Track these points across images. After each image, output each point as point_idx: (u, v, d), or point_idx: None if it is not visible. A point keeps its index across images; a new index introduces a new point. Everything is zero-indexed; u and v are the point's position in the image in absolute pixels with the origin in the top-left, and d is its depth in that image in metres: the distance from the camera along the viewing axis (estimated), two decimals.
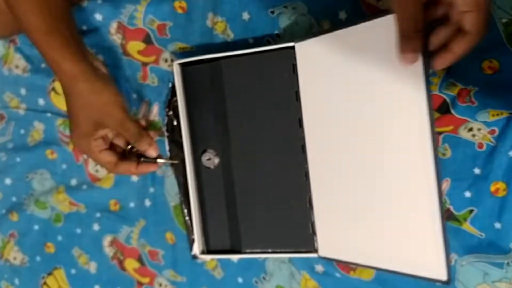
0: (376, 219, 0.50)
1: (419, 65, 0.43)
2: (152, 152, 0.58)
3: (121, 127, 0.56)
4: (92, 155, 0.57)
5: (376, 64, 0.48)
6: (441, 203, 0.45)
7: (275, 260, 0.60)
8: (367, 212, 0.50)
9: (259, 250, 0.58)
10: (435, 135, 0.45)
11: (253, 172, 0.57)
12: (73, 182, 0.70)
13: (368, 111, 0.49)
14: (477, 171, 0.51)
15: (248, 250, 0.58)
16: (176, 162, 0.61)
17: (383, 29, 0.46)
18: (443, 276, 0.45)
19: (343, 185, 0.52)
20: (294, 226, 0.56)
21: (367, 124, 0.49)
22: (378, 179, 0.49)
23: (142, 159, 0.59)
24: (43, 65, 0.70)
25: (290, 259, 0.60)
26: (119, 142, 0.59)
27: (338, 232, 0.53)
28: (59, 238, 0.72)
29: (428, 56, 0.44)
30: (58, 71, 0.55)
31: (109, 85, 0.56)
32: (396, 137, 0.47)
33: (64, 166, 0.71)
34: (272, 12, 0.57)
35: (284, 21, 0.57)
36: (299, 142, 0.54)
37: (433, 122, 0.45)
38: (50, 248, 0.73)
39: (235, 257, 0.62)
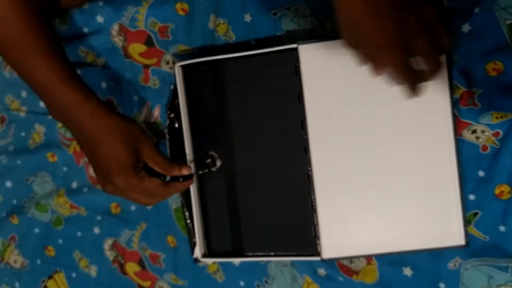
0: (390, 208, 0.52)
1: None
2: (185, 172, 0.56)
3: (157, 152, 0.54)
4: (142, 185, 0.53)
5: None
6: (460, 176, 0.50)
7: (277, 263, 0.60)
8: (378, 205, 0.52)
9: (261, 254, 0.57)
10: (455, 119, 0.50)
11: (255, 174, 0.57)
12: (74, 185, 0.70)
13: (380, 111, 0.52)
14: (481, 173, 0.51)
15: (250, 253, 0.57)
16: (214, 169, 0.58)
17: None
18: (462, 241, 0.50)
19: (350, 184, 0.53)
20: (296, 229, 0.55)
21: (379, 123, 0.52)
22: (392, 170, 0.52)
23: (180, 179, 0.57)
24: None
25: (292, 263, 0.59)
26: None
27: (346, 230, 0.53)
28: (60, 241, 0.72)
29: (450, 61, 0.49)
30: (85, 112, 0.51)
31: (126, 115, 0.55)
32: (414, 131, 0.51)
33: (64, 169, 0.70)
34: (275, 14, 0.57)
35: (286, 23, 0.57)
36: (301, 144, 0.54)
37: (453, 108, 0.50)
38: (51, 252, 0.72)
39: (236, 261, 0.61)
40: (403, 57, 0.39)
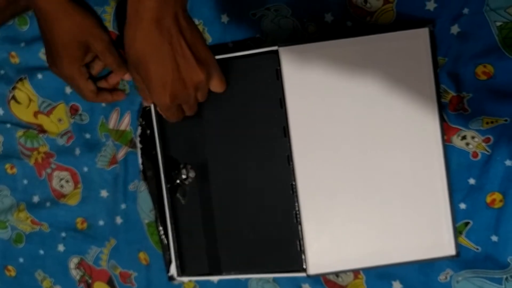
0: (378, 219, 0.50)
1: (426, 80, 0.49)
2: (128, 77, 0.58)
3: (108, 50, 0.55)
4: (77, 82, 0.56)
5: (372, 76, 0.49)
6: (449, 185, 0.49)
7: (259, 280, 0.57)
8: (366, 216, 0.50)
9: (241, 271, 0.54)
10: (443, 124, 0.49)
11: (234, 186, 0.53)
12: (35, 199, 0.65)
13: (366, 118, 0.50)
14: (472, 181, 0.49)
15: (230, 271, 0.54)
16: (190, 180, 0.55)
17: (379, 44, 0.49)
18: (452, 251, 0.49)
19: (335, 194, 0.50)
20: (279, 244, 0.52)
21: (365, 130, 0.50)
22: (379, 180, 0.50)
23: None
24: (2, 72, 0.65)
25: (275, 279, 0.56)
26: (94, 70, 0.58)
27: (332, 243, 0.51)
28: (21, 260, 0.67)
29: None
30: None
31: (89, 9, 0.55)
32: (401, 139, 0.50)
33: (25, 182, 0.66)
34: (254, 14, 0.54)
35: (266, 24, 0.54)
36: (284, 152, 0.51)
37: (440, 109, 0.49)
38: (11, 272, 0.68)
39: (215, 278, 0.58)
40: (169, 103, 0.47)
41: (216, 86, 0.50)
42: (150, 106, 0.55)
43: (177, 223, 0.55)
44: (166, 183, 0.55)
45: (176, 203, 0.55)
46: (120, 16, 0.58)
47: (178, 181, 0.55)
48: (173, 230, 0.55)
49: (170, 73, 0.44)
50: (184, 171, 0.54)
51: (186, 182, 0.55)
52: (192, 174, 0.54)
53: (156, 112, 0.55)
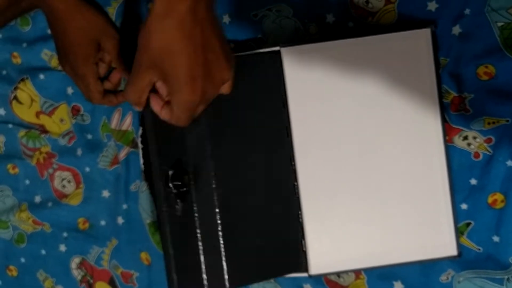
0: (380, 219, 0.50)
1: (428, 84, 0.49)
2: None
3: (118, 48, 0.55)
4: (88, 80, 0.56)
5: (374, 76, 0.49)
6: (451, 185, 0.49)
7: None
8: (368, 216, 0.50)
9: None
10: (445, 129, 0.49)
11: (235, 188, 0.53)
12: (37, 199, 0.65)
13: (368, 118, 0.50)
14: (473, 181, 0.49)
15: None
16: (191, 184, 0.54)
17: (380, 44, 0.49)
18: (454, 252, 0.49)
19: (337, 195, 0.51)
20: (281, 244, 0.52)
21: (367, 131, 0.50)
22: (381, 180, 0.50)
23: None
24: (4, 72, 0.65)
25: (276, 279, 0.56)
26: (102, 70, 0.58)
27: (334, 243, 0.51)
28: (22, 260, 0.67)
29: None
30: None
31: (99, 8, 0.56)
32: (403, 139, 0.50)
33: (27, 182, 0.66)
34: (255, 15, 0.54)
35: (268, 25, 0.54)
36: (286, 152, 0.51)
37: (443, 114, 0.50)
38: (13, 272, 0.68)
39: None
40: (198, 100, 0.42)
41: (227, 87, 0.45)
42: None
43: (176, 228, 0.55)
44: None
45: (173, 209, 0.55)
46: (124, 17, 0.59)
47: (180, 182, 0.55)
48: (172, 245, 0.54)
49: (201, 67, 0.40)
50: (184, 174, 0.54)
51: (190, 182, 0.55)
52: (193, 175, 0.54)
53: (151, 115, 0.54)
